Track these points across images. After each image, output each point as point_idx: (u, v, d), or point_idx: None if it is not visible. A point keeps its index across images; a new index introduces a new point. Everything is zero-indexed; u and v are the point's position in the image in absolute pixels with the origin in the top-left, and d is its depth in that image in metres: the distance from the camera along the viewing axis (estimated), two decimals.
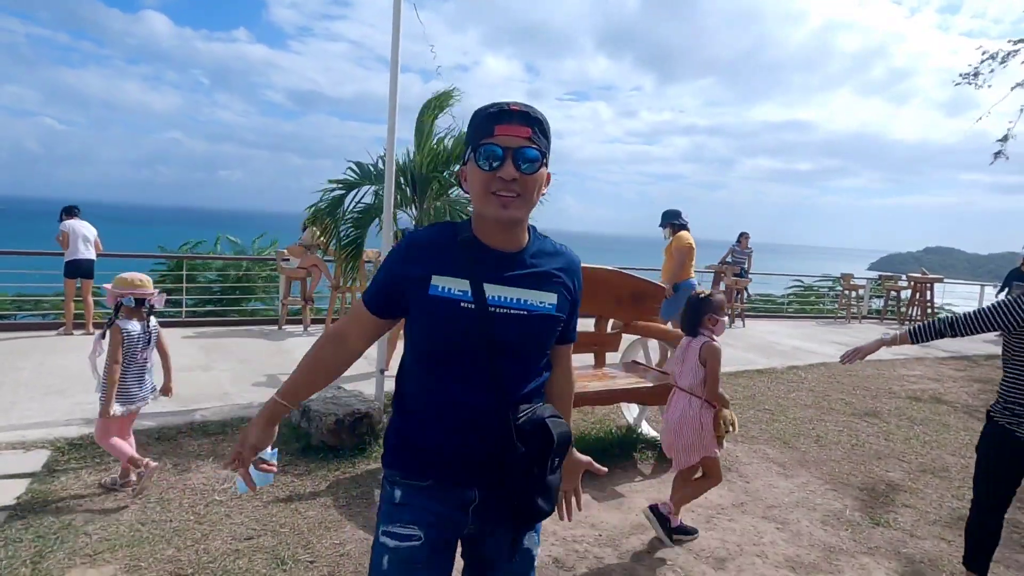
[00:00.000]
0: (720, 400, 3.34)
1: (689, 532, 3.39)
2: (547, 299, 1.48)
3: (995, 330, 2.77)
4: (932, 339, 2.94)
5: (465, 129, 5.41)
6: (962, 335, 2.82)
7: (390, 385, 5.27)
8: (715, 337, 3.31)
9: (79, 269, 7.73)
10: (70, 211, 7.91)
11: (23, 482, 3.51)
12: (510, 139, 1.39)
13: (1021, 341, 2.75)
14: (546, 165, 1.46)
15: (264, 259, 12.34)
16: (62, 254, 7.79)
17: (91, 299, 7.95)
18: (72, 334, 7.65)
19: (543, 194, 1.48)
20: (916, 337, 2.94)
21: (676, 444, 3.32)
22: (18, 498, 3.33)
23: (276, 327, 8.92)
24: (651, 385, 4.39)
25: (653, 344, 5.06)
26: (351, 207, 5.52)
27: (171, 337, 7.84)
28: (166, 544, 2.99)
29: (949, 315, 2.94)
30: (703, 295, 3.42)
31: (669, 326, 5.26)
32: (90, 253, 7.84)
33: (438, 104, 5.28)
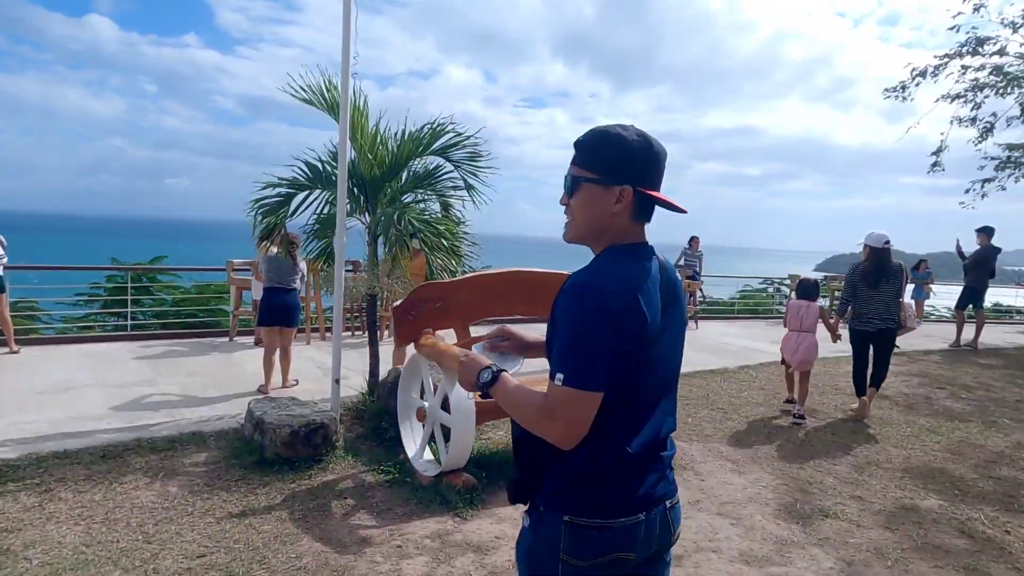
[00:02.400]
0: (833, 329, 5.96)
1: (804, 417, 5.72)
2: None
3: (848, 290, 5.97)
4: (845, 311, 6.01)
5: (412, 129, 5.41)
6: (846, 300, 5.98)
7: (347, 394, 5.23)
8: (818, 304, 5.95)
9: None
10: None
11: None
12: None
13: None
14: (600, 182, 1.43)
15: (215, 269, 12.03)
16: None
17: (7, 313, 7.36)
18: None
19: (617, 209, 1.43)
20: (841, 312, 6.02)
21: (807, 359, 5.80)
22: None
23: (227, 339, 8.70)
24: None
25: None
26: (299, 211, 5.40)
27: (118, 353, 7.60)
28: (112, 566, 2.88)
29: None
30: (815, 280, 6.33)
31: None
32: None
33: (432, 135, 5.23)
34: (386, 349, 6.51)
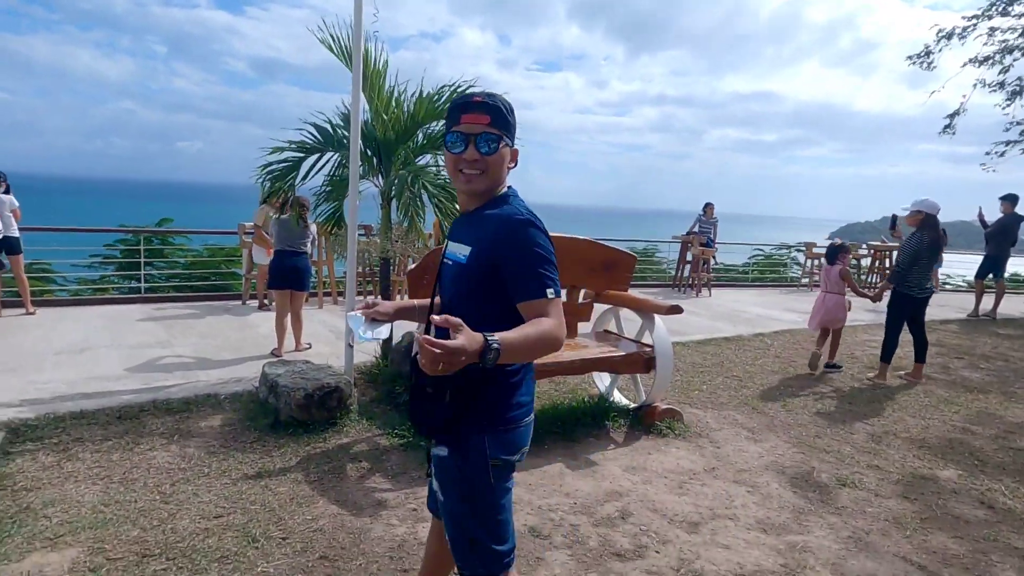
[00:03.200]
0: (857, 290, 6.46)
1: (839, 367, 6.37)
2: (464, 251, 1.75)
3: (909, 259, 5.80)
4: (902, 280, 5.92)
5: (428, 90, 5.28)
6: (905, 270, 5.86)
7: (360, 359, 5.22)
8: (845, 265, 6.39)
9: (2, 245, 7.12)
10: None
11: None
12: (472, 127, 1.69)
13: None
14: (509, 144, 1.75)
15: (227, 232, 12.00)
16: None
17: (24, 275, 7.41)
18: (0, 315, 7.18)
19: (512, 166, 1.78)
20: (896, 280, 5.97)
21: (831, 316, 6.26)
22: None
23: (239, 302, 8.71)
24: (623, 354, 4.39)
25: (626, 314, 5.04)
26: (309, 175, 5.31)
27: (132, 315, 7.64)
28: (131, 525, 2.90)
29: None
30: (839, 243, 6.68)
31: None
32: (11, 228, 7.17)
33: (452, 97, 5.05)
34: None
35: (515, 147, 1.78)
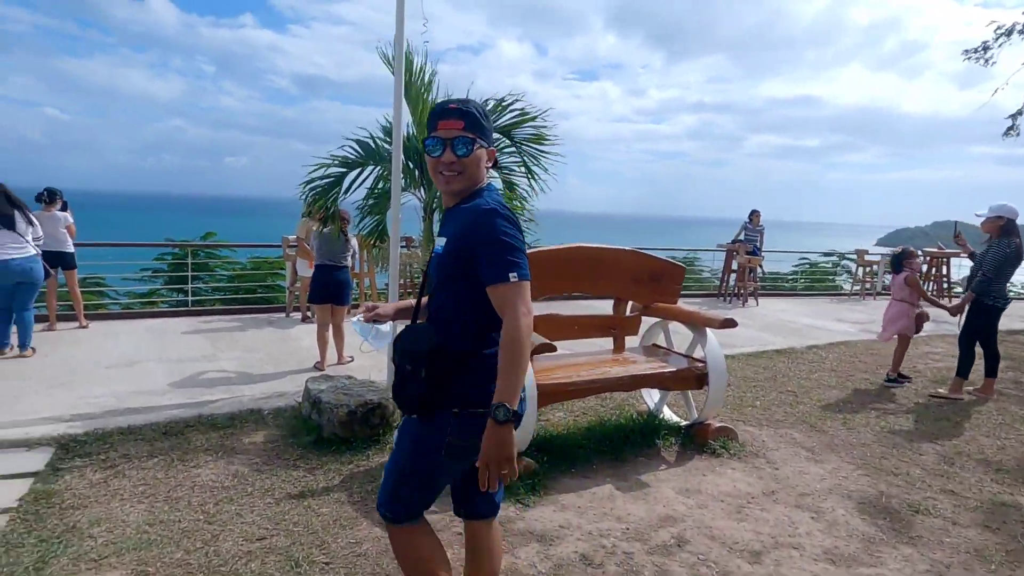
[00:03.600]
0: (927, 297, 6.21)
1: (905, 378, 6.12)
2: (442, 243, 1.92)
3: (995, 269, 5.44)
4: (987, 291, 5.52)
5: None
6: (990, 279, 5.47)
7: None
8: (912, 271, 6.10)
9: (53, 260, 7.13)
10: (50, 199, 7.20)
11: (26, 482, 3.38)
12: (448, 131, 1.85)
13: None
14: (484, 146, 1.89)
15: (271, 245, 12.17)
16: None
17: (78, 290, 7.58)
18: (55, 329, 7.32)
19: (489, 165, 1.95)
20: (981, 291, 5.54)
21: (895, 327, 6.06)
22: (21, 499, 3.19)
23: (283, 315, 8.78)
24: (674, 370, 4.22)
25: (675, 327, 4.85)
26: (352, 189, 5.30)
27: (179, 327, 7.76)
28: (175, 547, 2.85)
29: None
30: (905, 249, 6.34)
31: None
32: (66, 244, 7.27)
33: (496, 111, 4.99)
34: None
35: (491, 148, 1.94)
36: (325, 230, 6.02)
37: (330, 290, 6.05)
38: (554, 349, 3.47)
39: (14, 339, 6.13)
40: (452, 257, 1.86)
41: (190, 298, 9.92)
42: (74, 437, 3.99)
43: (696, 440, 4.33)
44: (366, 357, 6.41)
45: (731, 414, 5.03)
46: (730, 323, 4.27)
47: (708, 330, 4.40)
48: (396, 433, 2.10)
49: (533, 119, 5.01)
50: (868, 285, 13.68)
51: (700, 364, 4.33)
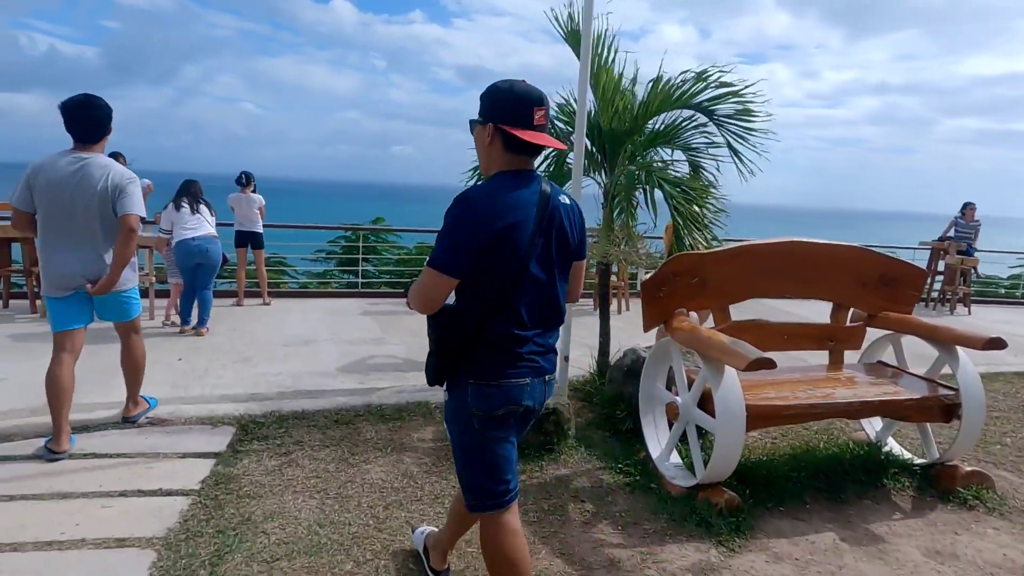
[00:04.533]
0: None
1: None
2: None
3: None
4: None
5: (666, 75, 4.65)
6: None
7: (572, 372, 4.75)
8: None
9: (245, 239, 7.71)
10: (246, 181, 7.70)
11: (208, 463, 3.38)
12: None
13: None
14: (480, 122, 1.92)
15: (434, 231, 12.38)
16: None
17: (264, 269, 8.03)
18: (242, 304, 7.81)
19: (488, 145, 1.91)
20: None
21: None
22: (202, 482, 3.18)
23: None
24: (916, 397, 3.40)
25: (909, 340, 3.97)
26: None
27: (350, 308, 7.97)
28: (344, 555, 2.64)
29: None
30: None
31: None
32: (257, 224, 7.74)
33: (697, 81, 4.41)
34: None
35: (488, 123, 1.88)
36: None
37: None
38: (773, 365, 2.85)
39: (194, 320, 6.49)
40: None
41: (360, 280, 10.26)
42: (253, 418, 4.01)
43: (939, 485, 3.50)
44: None
45: (976, 453, 4.08)
46: (998, 344, 3.37)
47: (960, 350, 3.53)
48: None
49: (739, 93, 4.33)
50: None
51: (949, 392, 3.47)
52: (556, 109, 4.90)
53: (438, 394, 4.64)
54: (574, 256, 2.03)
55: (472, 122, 1.94)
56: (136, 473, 3.25)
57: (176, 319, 6.59)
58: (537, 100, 1.86)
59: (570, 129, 4.80)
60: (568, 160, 4.78)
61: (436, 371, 1.97)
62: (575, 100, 4.66)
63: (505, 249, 1.81)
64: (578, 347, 5.50)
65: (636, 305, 8.78)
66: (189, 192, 6.50)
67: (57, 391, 3.40)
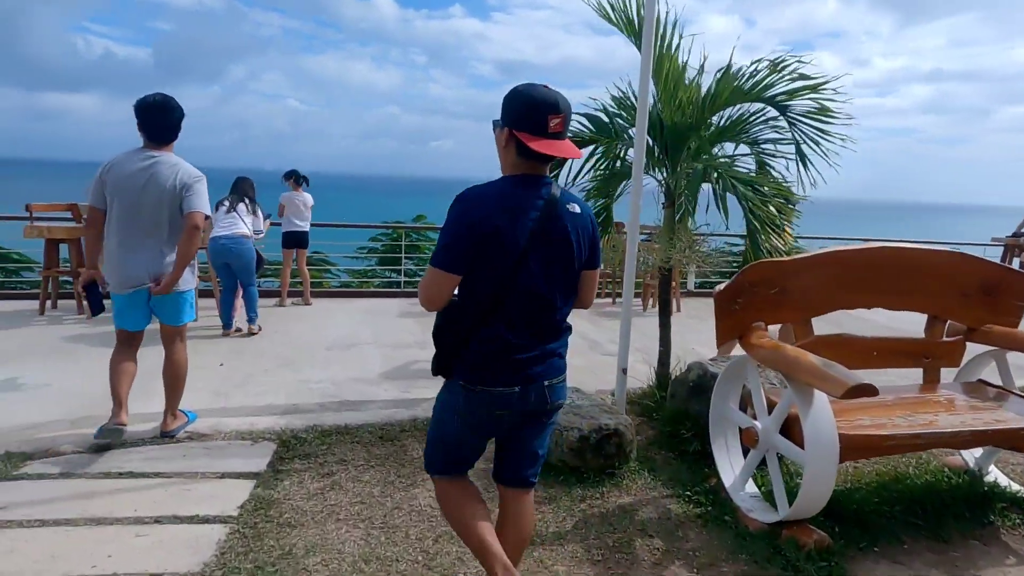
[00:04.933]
0: None
1: None
2: None
3: None
4: None
5: (742, 68, 4.27)
6: None
7: (630, 384, 4.44)
8: None
9: (293, 239, 7.67)
10: (296, 179, 7.68)
11: (248, 485, 3.18)
12: None
13: None
14: (498, 126, 1.96)
15: None
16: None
17: (307, 269, 7.92)
18: (284, 305, 7.71)
19: (504, 148, 1.94)
20: None
21: None
22: (241, 507, 2.97)
23: None
24: None
25: (1013, 357, 3.54)
26: (583, 171, 4.64)
27: (391, 309, 7.78)
28: None
29: None
30: None
31: None
32: (305, 224, 7.71)
33: (772, 71, 4.02)
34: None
35: (504, 128, 1.91)
36: None
37: None
38: (875, 392, 2.50)
39: (240, 323, 6.36)
40: None
41: (402, 279, 10.09)
42: (295, 433, 3.80)
43: None
44: (577, 354, 5.78)
45: None
46: None
47: None
48: (497, 463, 2.22)
49: (816, 87, 3.92)
50: None
51: None
52: (613, 104, 4.56)
53: None
54: (584, 266, 2.02)
55: (494, 123, 1.97)
56: (172, 495, 3.07)
57: (242, 325, 6.40)
58: (553, 107, 1.84)
59: (626, 125, 4.47)
60: (627, 157, 4.44)
61: (435, 363, 2.06)
62: (634, 94, 4.34)
63: (492, 251, 1.84)
64: (630, 352, 5.19)
65: (687, 305, 8.41)
66: (234, 190, 6.44)
67: (119, 372, 3.56)
